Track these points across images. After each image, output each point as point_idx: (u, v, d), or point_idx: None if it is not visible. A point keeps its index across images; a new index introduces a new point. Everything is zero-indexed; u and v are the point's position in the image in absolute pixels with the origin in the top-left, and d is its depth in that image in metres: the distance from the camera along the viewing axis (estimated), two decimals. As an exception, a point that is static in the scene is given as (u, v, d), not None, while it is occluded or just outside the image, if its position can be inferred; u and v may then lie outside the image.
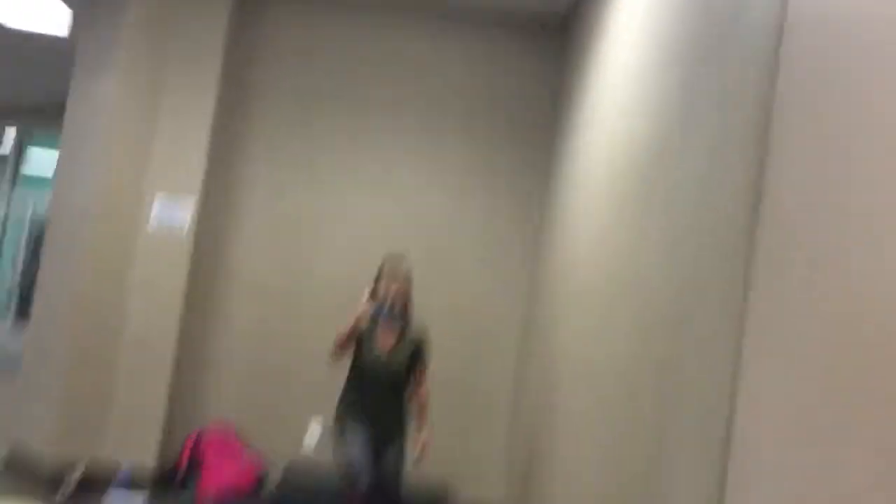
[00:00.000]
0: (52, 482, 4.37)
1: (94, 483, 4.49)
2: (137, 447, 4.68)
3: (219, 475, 4.82)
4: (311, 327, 5.03)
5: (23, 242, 10.81)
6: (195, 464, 4.82)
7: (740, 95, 1.87)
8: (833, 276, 1.51)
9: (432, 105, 5.21)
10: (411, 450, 3.81)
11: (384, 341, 3.73)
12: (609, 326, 2.89)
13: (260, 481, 4.79)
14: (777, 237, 1.61)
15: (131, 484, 4.52)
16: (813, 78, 1.60)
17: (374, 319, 3.59)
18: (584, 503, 3.00)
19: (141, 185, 4.72)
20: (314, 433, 5.01)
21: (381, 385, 3.72)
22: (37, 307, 4.95)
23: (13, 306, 11.13)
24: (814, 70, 1.61)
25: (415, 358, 3.79)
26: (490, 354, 5.15)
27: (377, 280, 3.76)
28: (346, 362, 3.78)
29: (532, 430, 4.25)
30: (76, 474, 4.37)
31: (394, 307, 3.64)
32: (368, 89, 5.20)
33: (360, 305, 3.59)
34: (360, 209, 5.16)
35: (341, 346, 3.68)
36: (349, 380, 3.80)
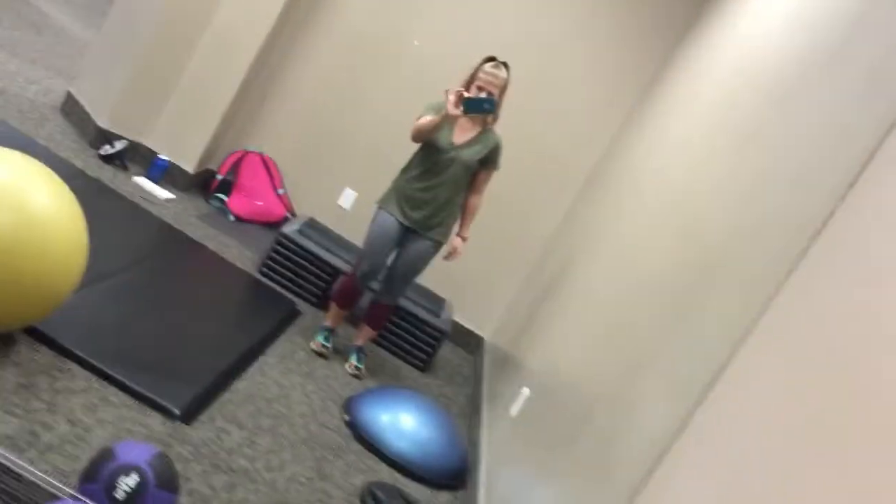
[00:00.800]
0: (99, 139, 4.47)
1: (133, 159, 4.60)
2: (182, 149, 4.73)
3: (249, 198, 4.93)
4: (392, 100, 4.94)
5: None
6: (231, 180, 4.92)
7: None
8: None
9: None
10: (444, 249, 3.79)
11: (460, 133, 3.61)
12: (660, 230, 2.79)
13: (284, 220, 4.89)
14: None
15: (165, 174, 4.63)
16: None
17: (465, 109, 3.41)
18: (561, 382, 3.03)
19: None
20: (348, 198, 5.08)
21: (445, 174, 3.60)
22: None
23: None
24: None
25: (487, 158, 3.66)
26: (543, 202, 5.06)
27: (471, 79, 3.53)
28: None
29: (542, 294, 4.24)
30: (120, 143, 4.46)
31: (484, 104, 3.46)
32: None
33: (452, 95, 3.38)
34: (479, 8, 4.92)
35: (421, 136, 3.54)
36: (411, 164, 3.69)
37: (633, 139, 4.28)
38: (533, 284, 4.71)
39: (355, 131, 5.04)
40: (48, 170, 2.42)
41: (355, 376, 3.79)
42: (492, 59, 3.56)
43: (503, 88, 3.56)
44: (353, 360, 3.83)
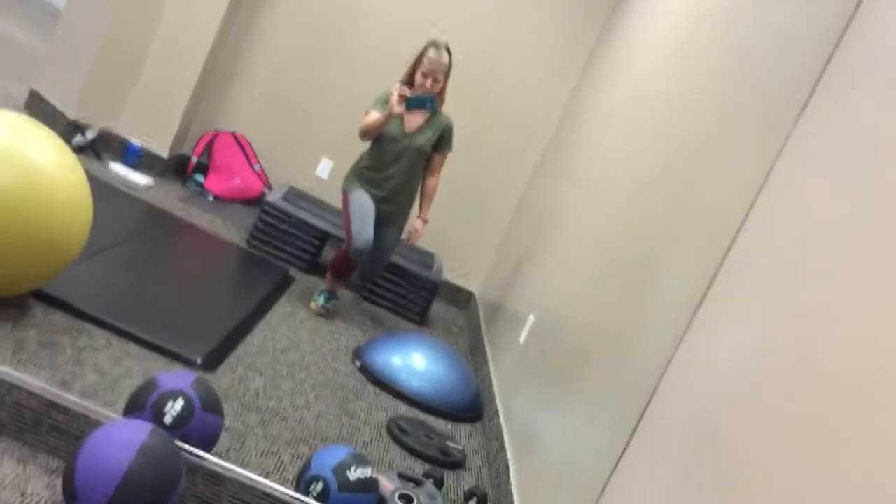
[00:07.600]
0: (70, 130, 4.43)
1: (106, 147, 4.57)
2: (153, 133, 4.71)
3: (226, 177, 4.92)
4: (349, 73, 4.99)
5: None
6: (206, 161, 4.90)
7: None
8: None
9: None
10: (405, 232, 3.89)
11: (410, 121, 3.70)
12: (639, 148, 2.86)
13: (263, 195, 4.89)
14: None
15: (140, 161, 4.60)
16: None
17: (407, 107, 3.50)
18: (566, 305, 3.09)
19: None
20: (324, 168, 5.11)
21: (400, 161, 3.70)
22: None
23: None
24: None
25: (440, 141, 3.76)
26: (511, 157, 5.12)
27: (415, 65, 3.63)
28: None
29: (530, 235, 4.31)
30: (92, 132, 4.42)
31: (426, 102, 3.54)
32: None
33: (395, 95, 3.45)
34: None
35: (369, 133, 3.64)
36: (370, 149, 3.77)
37: (603, 67, 4.36)
38: (517, 231, 4.77)
39: (323, 101, 5.06)
40: (44, 126, 2.41)
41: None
42: (434, 43, 3.64)
43: (447, 73, 3.67)
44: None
